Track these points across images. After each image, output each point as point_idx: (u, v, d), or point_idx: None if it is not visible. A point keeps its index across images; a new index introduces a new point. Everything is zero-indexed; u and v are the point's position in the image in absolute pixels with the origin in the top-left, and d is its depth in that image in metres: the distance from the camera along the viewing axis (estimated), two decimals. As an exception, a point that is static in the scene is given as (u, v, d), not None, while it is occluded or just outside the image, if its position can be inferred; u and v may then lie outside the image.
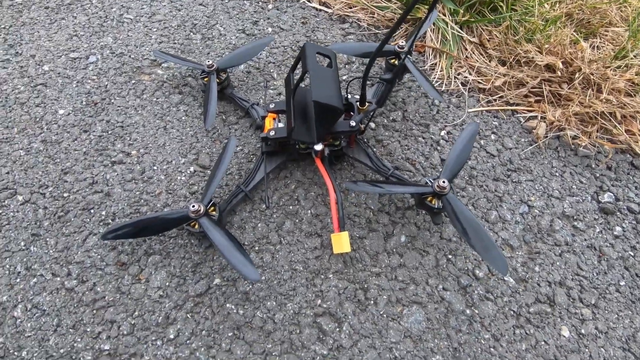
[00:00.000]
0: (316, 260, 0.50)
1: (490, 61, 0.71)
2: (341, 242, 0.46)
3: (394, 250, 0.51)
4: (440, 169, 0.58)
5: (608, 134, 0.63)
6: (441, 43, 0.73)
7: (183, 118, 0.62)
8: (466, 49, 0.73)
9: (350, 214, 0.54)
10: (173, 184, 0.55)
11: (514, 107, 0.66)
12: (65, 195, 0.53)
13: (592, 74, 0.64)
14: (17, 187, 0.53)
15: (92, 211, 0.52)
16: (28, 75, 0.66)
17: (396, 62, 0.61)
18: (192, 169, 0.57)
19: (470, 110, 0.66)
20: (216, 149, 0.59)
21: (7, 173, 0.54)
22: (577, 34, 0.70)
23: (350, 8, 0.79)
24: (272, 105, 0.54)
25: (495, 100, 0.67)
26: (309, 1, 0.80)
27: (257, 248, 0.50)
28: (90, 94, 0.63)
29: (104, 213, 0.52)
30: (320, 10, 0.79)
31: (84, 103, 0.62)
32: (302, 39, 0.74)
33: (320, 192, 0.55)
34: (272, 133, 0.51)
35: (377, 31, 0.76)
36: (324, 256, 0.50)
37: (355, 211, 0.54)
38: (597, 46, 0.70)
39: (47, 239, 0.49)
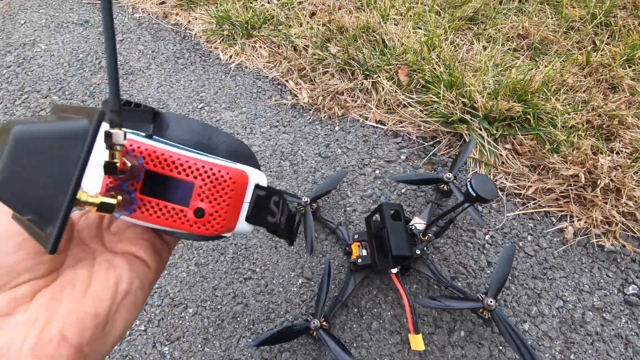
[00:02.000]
0: (399, 353, 0.69)
1: (523, 167, 0.86)
2: (417, 342, 0.65)
3: (457, 343, 0.69)
4: (487, 270, 0.75)
5: (631, 231, 0.76)
6: (479, 153, 0.90)
7: (287, 238, 0.84)
8: (501, 155, 0.89)
9: (420, 314, 0.72)
10: (289, 294, 0.77)
11: (546, 209, 0.82)
12: (219, 307, 0.77)
13: (612, 181, 0.78)
14: (187, 302, 0.78)
15: (238, 319, 0.75)
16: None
17: (445, 188, 0.80)
18: (300, 281, 0.79)
19: (508, 214, 0.82)
20: (314, 263, 0.80)
21: (179, 291, 0.79)
22: (598, 140, 0.84)
23: (401, 123, 0.99)
24: (356, 236, 0.75)
25: (529, 203, 0.83)
26: (367, 120, 1.01)
27: (355, 345, 0.71)
28: (219, 222, 0.88)
29: (246, 320, 0.75)
30: (377, 127, 1.00)
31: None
32: (365, 156, 0.95)
33: (395, 296, 0.75)
34: (359, 261, 0.71)
35: (424, 143, 0.95)
36: (404, 350, 0.69)
37: (424, 311, 0.73)
38: (618, 151, 0.83)
39: (214, 342, 0.73)
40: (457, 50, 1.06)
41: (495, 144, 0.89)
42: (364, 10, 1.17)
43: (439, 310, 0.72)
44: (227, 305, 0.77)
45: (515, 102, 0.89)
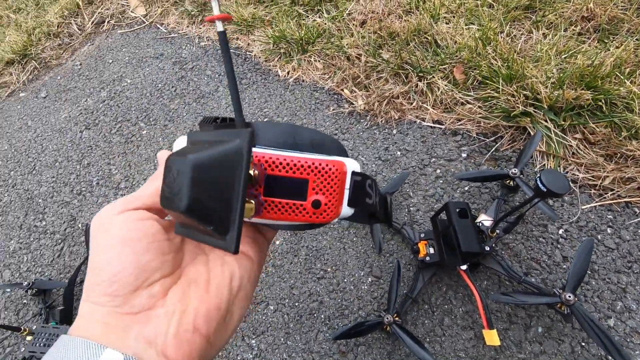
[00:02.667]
0: (473, 349, 0.70)
1: (597, 157, 0.83)
2: (492, 337, 0.66)
3: (534, 339, 0.68)
4: (563, 265, 0.73)
5: None
6: (546, 145, 0.87)
7: (354, 239, 0.89)
8: (571, 146, 0.86)
9: (493, 310, 0.73)
10: (360, 292, 0.82)
11: (627, 199, 0.77)
12: (297, 304, 0.84)
13: None
14: (268, 300, 0.86)
15: (315, 315, 0.81)
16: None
17: (511, 183, 0.79)
18: (369, 279, 0.83)
19: (583, 207, 0.79)
20: (382, 262, 0.84)
21: (260, 290, 0.88)
22: (685, 122, 0.78)
23: (459, 121, 0.99)
24: (422, 235, 0.78)
25: (607, 194, 0.79)
26: (424, 121, 1.03)
27: (428, 340, 0.73)
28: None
29: (322, 316, 0.81)
30: (435, 127, 1.01)
31: (289, 234, 0.95)
32: (425, 157, 0.97)
33: (466, 292, 0.76)
34: (427, 259, 0.74)
35: (485, 139, 0.95)
36: (479, 345, 0.70)
37: (496, 307, 0.73)
38: None
39: (295, 336, 0.80)
40: (514, 42, 1.03)
41: (563, 135, 0.86)
42: (413, 13, 1.18)
43: (513, 306, 0.72)
44: (304, 303, 0.84)
45: (583, 89, 0.85)
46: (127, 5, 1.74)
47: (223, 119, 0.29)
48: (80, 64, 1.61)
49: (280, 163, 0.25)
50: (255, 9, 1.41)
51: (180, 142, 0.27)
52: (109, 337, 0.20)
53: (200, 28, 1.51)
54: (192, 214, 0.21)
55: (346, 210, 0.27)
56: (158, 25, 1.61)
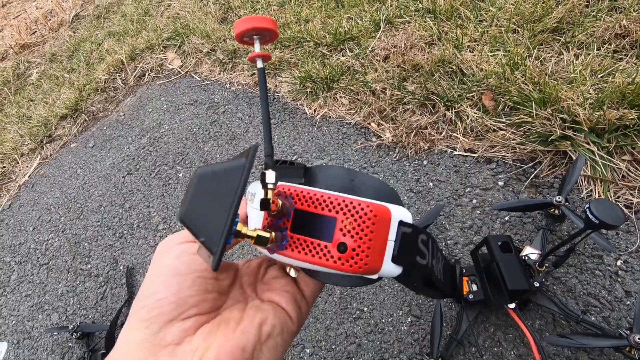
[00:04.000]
0: (531, 398, 0.63)
1: (651, 179, 0.76)
2: (552, 386, 0.59)
3: (602, 388, 0.61)
4: (627, 302, 0.66)
5: None
6: (591, 169, 0.82)
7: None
8: (620, 169, 0.80)
9: (550, 354, 0.66)
10: (400, 333, 0.78)
11: (693, 225, 0.70)
12: (333, 347, 0.81)
13: None
14: (304, 342, 0.83)
15: (353, 359, 0.78)
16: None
17: (556, 212, 0.74)
18: (409, 319, 0.79)
19: (642, 235, 0.72)
20: (421, 301, 0.80)
21: (295, 332, 0.86)
22: None
23: (493, 148, 0.96)
24: (463, 271, 0.73)
25: (668, 220, 0.72)
26: (455, 150, 1.01)
27: (478, 387, 0.67)
28: (324, 264, 0.94)
29: (361, 360, 0.77)
30: (467, 156, 0.98)
31: (322, 272, 0.93)
32: (459, 187, 0.93)
33: (517, 333, 0.70)
34: (470, 296, 0.69)
35: (522, 166, 0.90)
36: (537, 394, 0.63)
37: (554, 350, 0.66)
38: None
39: (333, 382, 0.76)
40: (544, 65, 1.01)
41: (609, 157, 0.80)
42: (435, 45, 1.20)
43: (573, 349, 0.65)
44: (340, 345, 0.80)
45: (626, 108, 0.81)
46: (165, 58, 1.89)
47: (284, 161, 0.28)
48: (124, 115, 1.74)
49: (311, 198, 0.23)
50: (281, 52, 1.49)
51: (252, 186, 0.27)
52: None
53: (231, 74, 1.61)
54: (186, 223, 0.21)
55: (389, 267, 0.23)
56: (192, 75, 1.73)
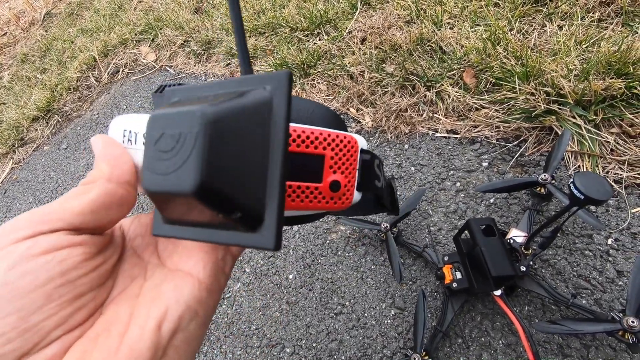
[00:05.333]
0: (521, 390, 0.59)
1: (641, 151, 0.72)
2: (542, 376, 0.55)
3: (596, 375, 0.57)
4: (619, 282, 0.62)
5: None
6: (578, 144, 0.78)
7: (372, 267, 0.81)
8: (608, 142, 0.76)
9: (540, 341, 0.62)
10: (383, 327, 0.73)
11: (686, 197, 0.66)
12: (314, 345, 0.76)
13: None
14: (284, 341, 0.79)
15: (335, 357, 0.73)
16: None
17: (542, 191, 0.70)
18: (392, 312, 0.74)
19: (633, 210, 0.68)
20: (405, 291, 0.76)
21: (275, 331, 0.81)
22: None
23: (476, 128, 0.91)
24: (446, 258, 0.69)
25: (660, 193, 0.68)
26: (437, 132, 0.96)
27: (466, 381, 0.63)
28: (303, 258, 0.89)
29: (343, 357, 0.73)
30: (450, 137, 0.93)
31: (301, 267, 0.88)
32: (442, 170, 0.89)
33: (505, 321, 0.66)
34: (454, 285, 0.65)
35: (507, 144, 0.86)
36: (528, 385, 0.59)
37: (544, 337, 0.62)
38: None
39: (314, 382, 0.72)
40: (527, 38, 0.96)
41: (597, 131, 0.76)
42: (414, 23, 1.14)
43: (564, 335, 0.61)
44: (322, 343, 0.76)
45: (613, 78, 0.76)
46: (139, 53, 1.81)
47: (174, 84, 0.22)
48: (98, 113, 1.67)
49: (299, 135, 0.19)
50: (256, 40, 1.42)
51: (127, 122, 0.20)
52: None
53: (206, 65, 1.54)
54: (206, 196, 0.14)
55: (356, 196, 0.22)
56: (167, 68, 1.66)
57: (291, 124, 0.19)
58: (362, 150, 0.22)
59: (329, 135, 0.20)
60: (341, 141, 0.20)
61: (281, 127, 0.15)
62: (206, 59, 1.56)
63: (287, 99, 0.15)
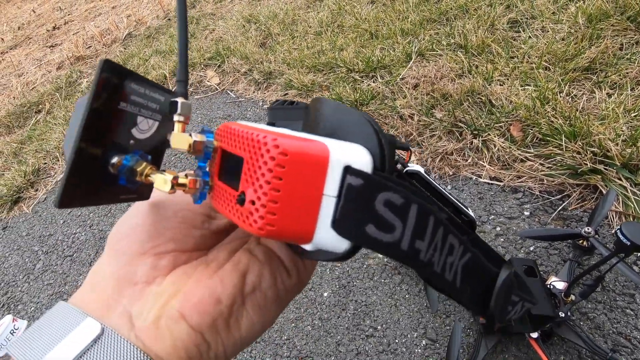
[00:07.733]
0: None
1: (688, 220, 0.73)
2: None
3: None
4: (662, 345, 0.62)
5: None
6: (623, 205, 0.80)
7: (407, 296, 0.84)
8: (654, 207, 0.78)
9: (575, 392, 0.62)
10: (413, 356, 0.75)
11: None
12: (343, 363, 0.78)
13: None
14: (314, 355, 0.82)
15: (363, 378, 0.75)
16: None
17: (585, 244, 0.72)
18: (424, 342, 0.76)
19: (678, 276, 0.69)
20: (438, 323, 0.78)
21: (306, 344, 0.84)
22: None
23: (519, 178, 0.95)
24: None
25: None
26: (480, 177, 1.01)
27: (495, 421, 0.63)
28: (339, 279, 0.93)
29: (371, 380, 0.74)
30: (492, 184, 0.98)
31: (337, 286, 0.92)
32: (482, 213, 0.92)
33: (539, 367, 0.66)
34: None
35: (549, 197, 0.89)
36: None
37: (578, 389, 0.62)
38: None
39: (340, 400, 0.73)
40: (575, 101, 1.01)
41: (643, 194, 0.78)
42: (465, 77, 1.23)
43: (600, 389, 0.61)
44: (351, 362, 0.78)
45: (661, 147, 0.79)
46: (205, 76, 2.01)
47: (283, 101, 0.23)
48: (161, 124, 1.84)
49: (229, 133, 0.17)
50: (314, 76, 1.56)
51: None
52: (96, 305, 0.18)
53: (265, 93, 1.69)
54: (64, 153, 0.18)
55: (327, 236, 0.15)
56: (229, 92, 1.82)
57: (246, 123, 0.18)
58: (352, 171, 0.15)
59: (252, 134, 0.15)
60: (270, 144, 0.14)
61: (85, 107, 0.16)
62: (265, 87, 1.71)
63: (96, 79, 0.16)
